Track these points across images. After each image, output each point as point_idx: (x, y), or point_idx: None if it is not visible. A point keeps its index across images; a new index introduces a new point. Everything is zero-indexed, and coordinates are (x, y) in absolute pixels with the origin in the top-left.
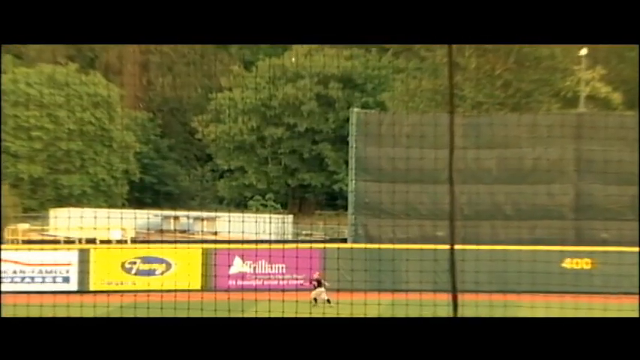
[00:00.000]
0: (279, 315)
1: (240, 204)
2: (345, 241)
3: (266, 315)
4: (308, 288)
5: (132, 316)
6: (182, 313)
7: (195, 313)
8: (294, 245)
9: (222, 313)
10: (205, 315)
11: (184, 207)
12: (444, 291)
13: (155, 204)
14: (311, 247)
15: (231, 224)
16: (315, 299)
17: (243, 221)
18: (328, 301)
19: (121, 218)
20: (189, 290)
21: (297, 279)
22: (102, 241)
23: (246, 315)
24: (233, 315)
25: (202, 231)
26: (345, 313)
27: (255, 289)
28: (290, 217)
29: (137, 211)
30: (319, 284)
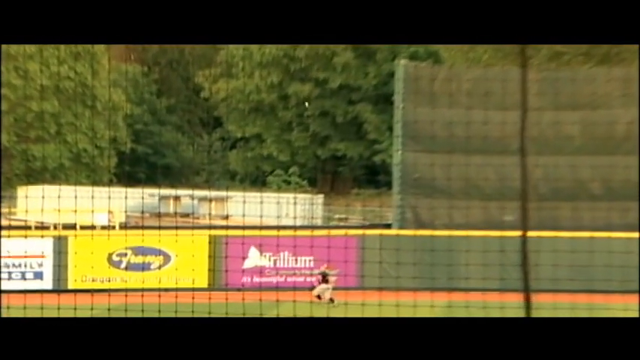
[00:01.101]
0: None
1: (258, 180)
2: (389, 226)
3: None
4: (343, 286)
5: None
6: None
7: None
8: (324, 232)
9: None
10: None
11: (187, 184)
12: (513, 290)
13: (151, 180)
14: (346, 235)
15: (246, 206)
16: (319, 296)
17: (261, 202)
18: (332, 300)
19: (109, 198)
20: (193, 289)
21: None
22: (83, 227)
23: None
24: None
25: (210, 214)
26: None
27: (277, 288)
28: (320, 197)
29: (128, 189)
30: (324, 279)
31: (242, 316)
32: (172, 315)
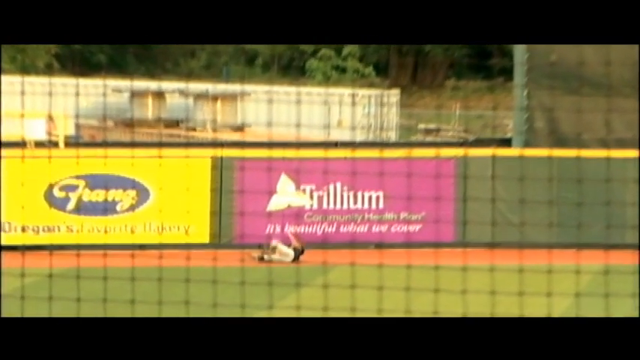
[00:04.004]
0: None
1: (292, 67)
2: (507, 142)
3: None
4: (433, 241)
5: (74, 297)
6: (175, 295)
7: (201, 296)
8: (402, 152)
9: (255, 296)
10: (222, 300)
11: (175, 72)
12: None
13: (115, 66)
14: (437, 156)
15: (274, 108)
16: (262, 256)
17: (297, 102)
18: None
19: (48, 95)
20: (187, 245)
21: (408, 221)
22: (7, 144)
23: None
24: (278, 301)
25: (214, 122)
26: (506, 308)
27: (324, 244)
28: (395, 94)
29: (80, 80)
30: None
31: (266, 288)
32: (153, 286)
